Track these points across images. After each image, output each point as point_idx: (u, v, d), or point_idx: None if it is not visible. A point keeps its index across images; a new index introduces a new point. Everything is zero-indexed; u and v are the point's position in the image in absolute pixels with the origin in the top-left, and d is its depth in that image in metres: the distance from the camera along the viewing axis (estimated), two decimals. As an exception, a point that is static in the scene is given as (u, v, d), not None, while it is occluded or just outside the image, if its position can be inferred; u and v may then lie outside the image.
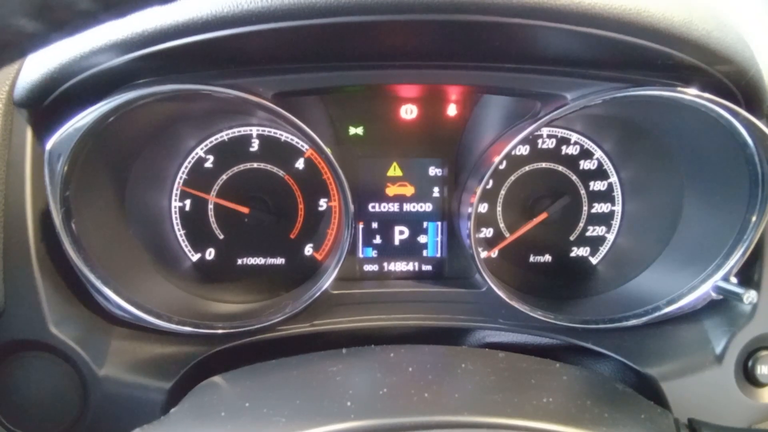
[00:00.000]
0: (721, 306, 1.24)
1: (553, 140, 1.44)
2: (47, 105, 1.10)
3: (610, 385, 1.03)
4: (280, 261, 1.44)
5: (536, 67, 1.17)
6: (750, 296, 1.12)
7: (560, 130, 1.43)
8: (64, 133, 1.05)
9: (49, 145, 1.05)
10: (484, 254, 1.46)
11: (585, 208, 1.47)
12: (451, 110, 1.39)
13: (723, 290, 1.19)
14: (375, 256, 1.46)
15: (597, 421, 0.83)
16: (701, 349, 1.21)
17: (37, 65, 1.06)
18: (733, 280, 1.20)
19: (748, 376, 1.18)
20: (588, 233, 1.48)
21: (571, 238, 1.48)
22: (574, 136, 1.44)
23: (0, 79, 1.08)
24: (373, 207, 1.43)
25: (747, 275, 1.22)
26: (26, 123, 1.10)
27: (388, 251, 1.45)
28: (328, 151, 1.17)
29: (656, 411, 0.94)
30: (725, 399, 1.17)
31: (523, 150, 1.44)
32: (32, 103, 1.09)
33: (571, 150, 1.44)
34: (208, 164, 1.39)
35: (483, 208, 1.45)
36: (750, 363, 1.18)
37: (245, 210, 1.37)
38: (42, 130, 1.11)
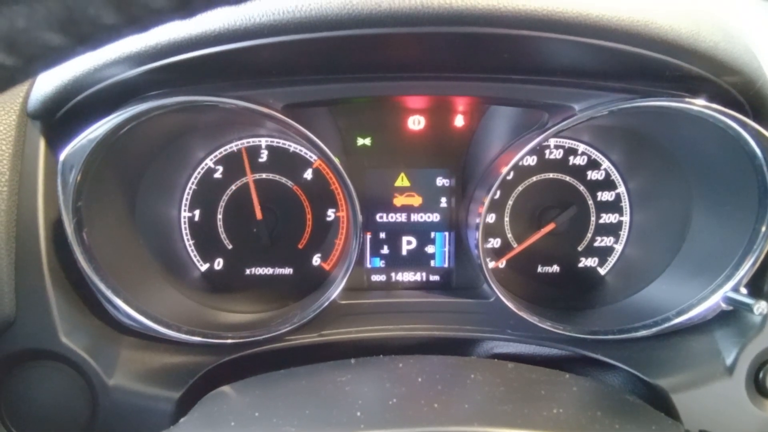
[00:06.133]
0: (731, 317, 1.24)
1: (561, 151, 1.44)
2: (60, 117, 1.12)
3: (620, 396, 1.03)
4: (288, 271, 1.45)
5: (544, 78, 1.18)
6: (760, 307, 1.11)
7: (568, 141, 1.44)
8: (77, 144, 1.06)
9: (62, 156, 1.06)
10: (491, 264, 1.45)
11: (593, 218, 1.47)
12: (459, 121, 1.40)
13: (733, 301, 1.18)
14: (383, 266, 1.46)
15: (608, 433, 0.83)
16: (711, 360, 1.20)
17: (51, 77, 1.07)
18: (743, 290, 1.20)
19: (758, 388, 1.17)
20: (596, 244, 1.48)
21: (579, 249, 1.48)
22: (581, 147, 1.44)
23: (14, 91, 1.10)
24: (381, 217, 1.44)
25: (757, 286, 1.22)
26: (39, 134, 1.12)
27: (396, 261, 1.46)
28: (336, 161, 1.18)
29: (667, 422, 0.93)
30: (736, 411, 1.16)
31: (531, 160, 1.44)
32: (45, 114, 1.11)
33: (579, 160, 1.45)
34: (218, 175, 1.40)
35: (491, 218, 1.45)
36: (761, 375, 1.17)
37: (259, 216, 1.38)
38: (55, 142, 1.12)
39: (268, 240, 1.40)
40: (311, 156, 1.40)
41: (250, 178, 1.38)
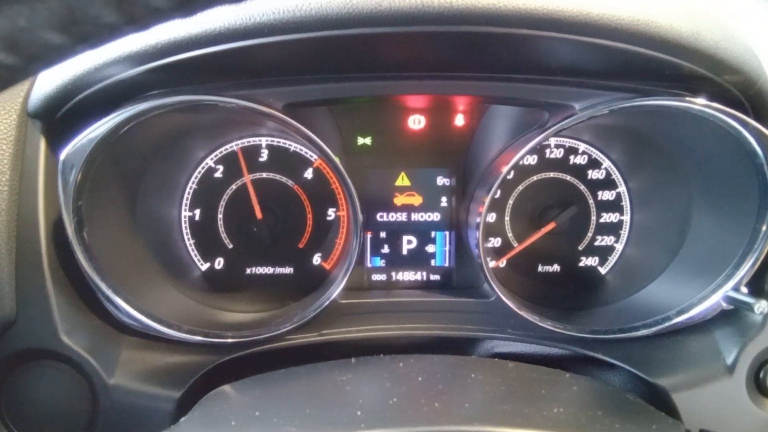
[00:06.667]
0: (731, 316, 1.24)
1: (561, 150, 1.44)
2: (60, 116, 1.12)
3: (621, 395, 1.03)
4: (288, 270, 1.45)
5: (544, 78, 1.18)
6: (761, 306, 1.11)
7: (568, 140, 1.44)
8: (77, 143, 1.06)
9: (62, 156, 1.06)
10: (492, 264, 1.45)
11: (593, 217, 1.47)
12: (459, 120, 1.40)
13: (734, 300, 1.18)
14: (383, 265, 1.46)
15: (608, 432, 0.83)
16: (712, 359, 1.20)
17: (51, 77, 1.07)
18: (744, 290, 1.20)
19: (759, 387, 1.17)
20: (596, 243, 1.48)
21: (580, 248, 1.48)
22: (582, 146, 1.44)
23: (14, 90, 1.10)
24: (381, 217, 1.44)
25: (758, 285, 1.22)
26: (40, 134, 1.12)
27: (396, 261, 1.46)
28: (337, 160, 1.18)
29: (667, 422, 0.94)
30: (736, 410, 1.16)
31: (531, 160, 1.44)
32: (46, 114, 1.11)
33: (579, 160, 1.45)
34: (218, 174, 1.40)
35: (491, 217, 1.45)
36: (761, 374, 1.17)
37: (259, 215, 1.38)
38: (55, 141, 1.12)
39: (269, 238, 1.40)
40: (311, 155, 1.40)
41: (247, 178, 1.38)
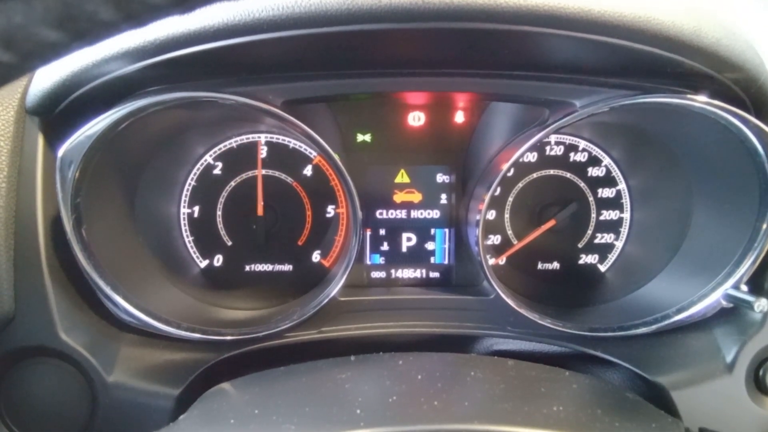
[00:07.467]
0: (731, 314, 1.23)
1: (561, 147, 1.44)
2: (59, 112, 1.11)
3: (620, 393, 1.03)
4: (287, 268, 1.44)
5: (545, 75, 1.17)
6: (761, 305, 1.11)
7: (568, 137, 1.43)
8: (75, 140, 1.06)
9: (60, 152, 1.06)
10: (492, 261, 1.45)
11: (593, 215, 1.46)
12: (459, 117, 1.39)
13: (733, 298, 1.18)
14: (382, 263, 1.45)
15: (608, 431, 0.83)
16: (712, 357, 1.20)
17: (49, 73, 1.07)
18: (744, 288, 1.20)
19: (758, 385, 1.17)
20: (596, 240, 1.48)
21: (580, 246, 1.48)
22: (582, 143, 1.44)
23: (12, 87, 1.10)
24: (381, 214, 1.44)
25: (758, 283, 1.22)
26: (38, 130, 1.11)
27: (396, 258, 1.45)
28: (336, 157, 1.18)
29: (667, 420, 0.94)
30: (736, 408, 1.16)
31: (531, 157, 1.43)
32: (44, 110, 1.10)
33: (580, 157, 1.44)
34: (217, 171, 1.39)
35: (491, 215, 1.45)
36: (761, 372, 1.17)
37: (260, 212, 1.38)
38: (53, 138, 1.12)
39: (263, 238, 1.39)
40: (311, 152, 1.40)
41: (259, 173, 1.37)
